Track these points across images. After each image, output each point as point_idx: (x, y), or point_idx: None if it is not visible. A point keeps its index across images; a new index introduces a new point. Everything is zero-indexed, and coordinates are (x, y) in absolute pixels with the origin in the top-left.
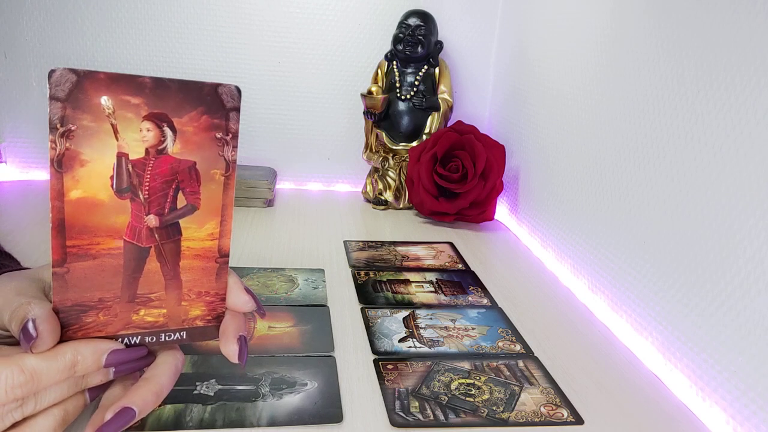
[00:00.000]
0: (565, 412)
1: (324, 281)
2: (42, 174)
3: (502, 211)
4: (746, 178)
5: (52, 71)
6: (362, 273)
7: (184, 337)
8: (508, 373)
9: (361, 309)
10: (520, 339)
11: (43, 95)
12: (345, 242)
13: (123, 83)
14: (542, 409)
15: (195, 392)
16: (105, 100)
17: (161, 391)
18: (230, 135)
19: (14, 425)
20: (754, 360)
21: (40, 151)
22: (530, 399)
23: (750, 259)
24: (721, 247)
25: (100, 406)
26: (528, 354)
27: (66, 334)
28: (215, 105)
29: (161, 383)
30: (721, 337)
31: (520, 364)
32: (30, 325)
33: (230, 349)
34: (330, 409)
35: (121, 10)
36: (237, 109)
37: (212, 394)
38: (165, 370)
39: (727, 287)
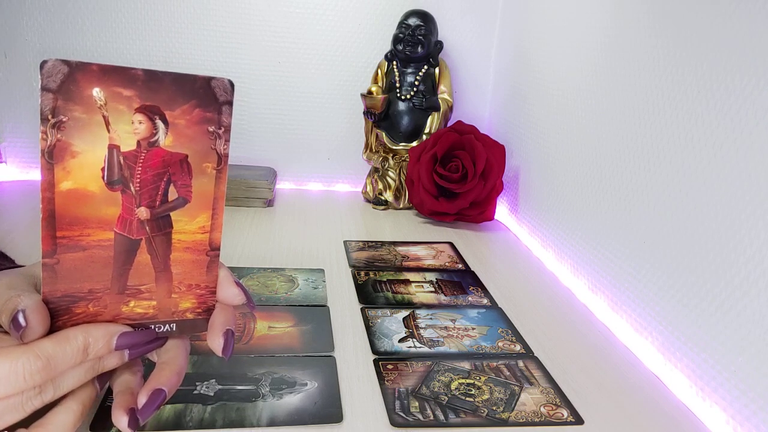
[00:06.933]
0: (565, 412)
1: (324, 281)
2: None
3: (502, 211)
4: (746, 179)
5: (44, 62)
6: (362, 273)
7: (174, 329)
8: (508, 373)
9: (361, 309)
10: (520, 339)
11: None
12: (345, 242)
13: (115, 75)
14: (542, 409)
15: (195, 392)
16: (97, 92)
17: (181, 371)
18: (223, 129)
19: (35, 422)
20: (754, 360)
21: None
22: (530, 399)
23: (750, 259)
24: (721, 247)
25: (117, 392)
26: (528, 354)
27: (55, 324)
28: (208, 98)
29: (180, 364)
30: (721, 337)
31: (520, 364)
32: (20, 316)
33: (216, 343)
34: (330, 409)
35: (121, 10)
36: (230, 103)
37: (212, 394)
38: (180, 353)
39: (727, 287)
